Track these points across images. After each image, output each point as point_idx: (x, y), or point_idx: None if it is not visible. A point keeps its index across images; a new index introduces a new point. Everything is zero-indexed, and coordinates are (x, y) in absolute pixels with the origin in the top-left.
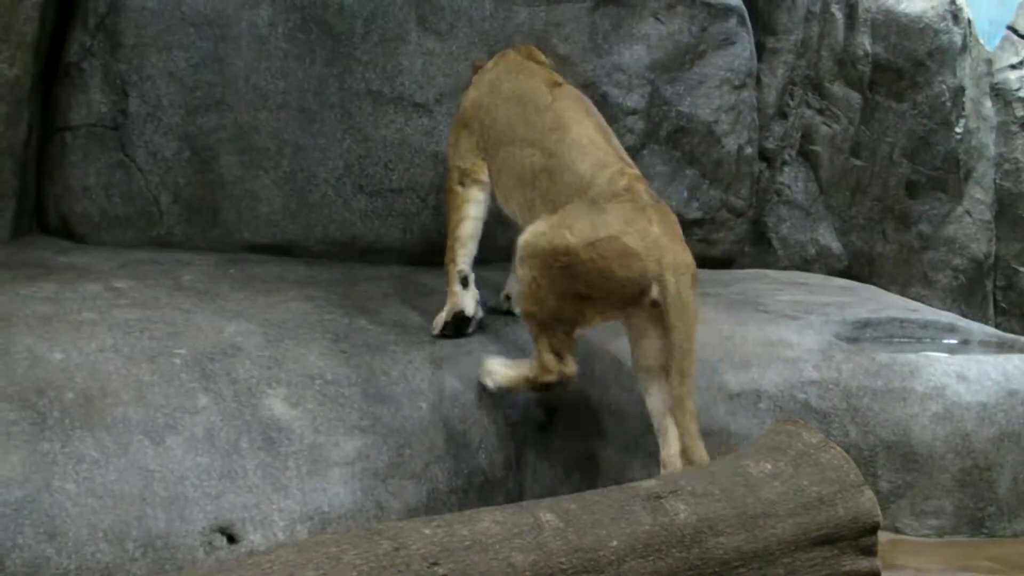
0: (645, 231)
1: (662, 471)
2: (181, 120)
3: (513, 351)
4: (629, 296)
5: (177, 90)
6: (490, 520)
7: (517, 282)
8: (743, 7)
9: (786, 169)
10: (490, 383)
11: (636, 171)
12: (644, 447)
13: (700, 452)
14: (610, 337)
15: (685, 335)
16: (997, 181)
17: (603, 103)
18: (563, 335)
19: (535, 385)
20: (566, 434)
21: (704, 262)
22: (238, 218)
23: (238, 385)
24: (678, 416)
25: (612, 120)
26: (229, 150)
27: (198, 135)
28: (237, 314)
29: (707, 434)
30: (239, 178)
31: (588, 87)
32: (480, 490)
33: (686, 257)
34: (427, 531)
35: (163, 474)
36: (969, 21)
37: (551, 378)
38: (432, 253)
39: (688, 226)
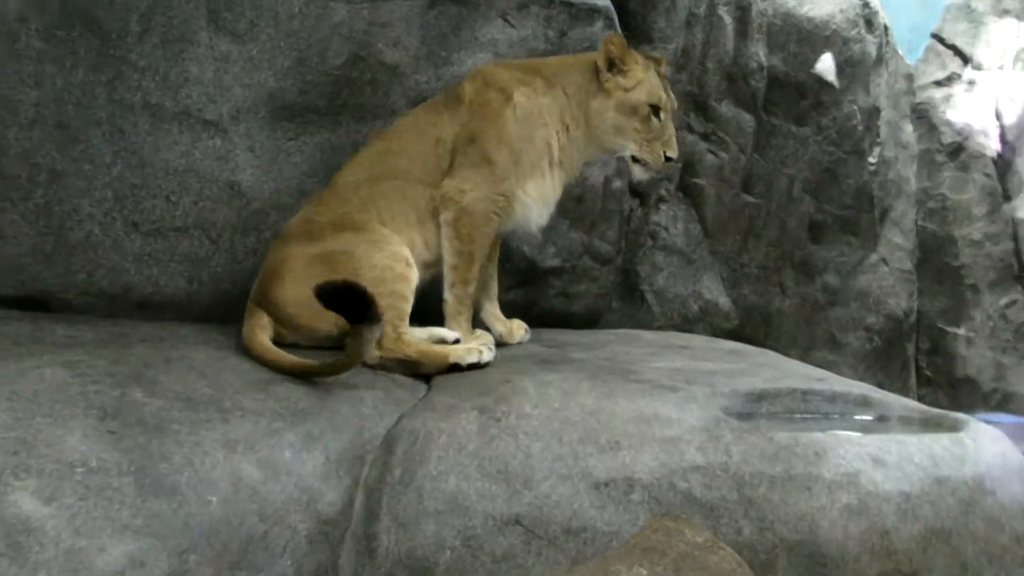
0: None
1: None
2: None
3: (322, 420)
4: None
5: None
6: None
7: None
8: (611, 8)
9: (663, 207)
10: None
11: None
12: (489, 550)
13: None
14: (439, 432)
15: None
16: (919, 222)
17: None
18: None
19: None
20: (394, 536)
21: (563, 319)
22: None
23: None
24: None
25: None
26: None
27: None
28: None
29: (568, 532)
30: None
31: (420, 103)
32: None
33: None
34: None
35: None
36: (886, 28)
37: None
38: (225, 306)
39: (543, 276)
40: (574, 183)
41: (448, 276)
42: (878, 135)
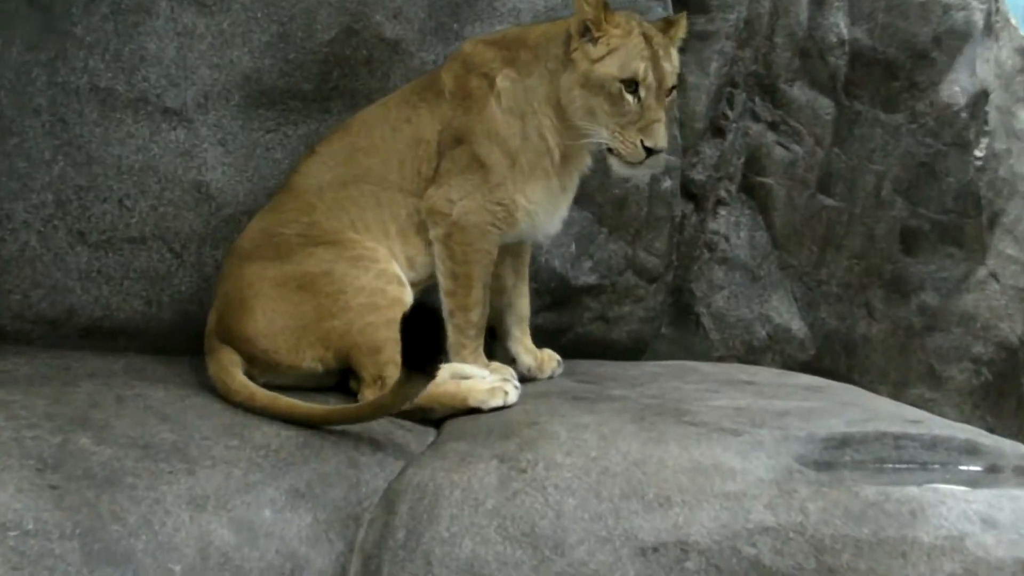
0: None
1: None
2: None
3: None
4: None
5: None
6: None
7: None
8: None
9: (722, 212)
10: None
11: None
12: None
13: None
14: (451, 486)
15: None
16: None
17: None
18: None
19: None
20: None
21: (601, 348)
22: None
23: None
24: None
25: None
26: None
27: None
28: None
29: None
30: None
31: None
32: None
33: None
34: None
35: None
36: None
37: None
38: (190, 333)
39: (577, 295)
40: (588, 173)
41: (445, 304)
42: (986, 123)
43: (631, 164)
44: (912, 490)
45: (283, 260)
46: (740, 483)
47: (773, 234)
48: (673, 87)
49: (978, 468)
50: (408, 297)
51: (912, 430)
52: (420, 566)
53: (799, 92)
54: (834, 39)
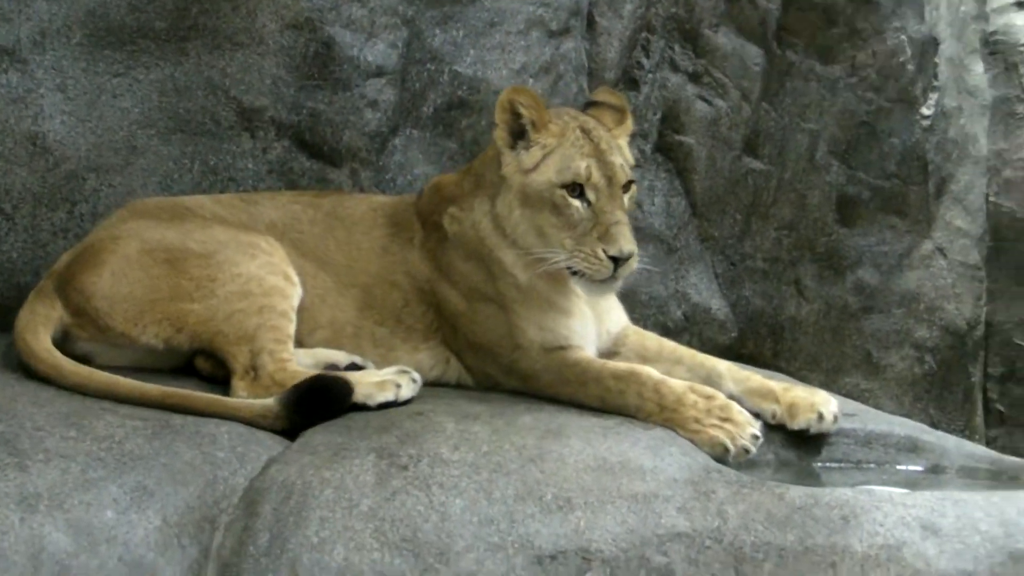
0: None
1: None
2: None
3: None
4: None
5: None
6: None
7: None
8: None
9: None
10: None
11: None
12: None
13: None
14: (322, 484)
15: None
16: (991, 198)
17: (327, 56)
18: None
19: None
20: None
21: None
22: None
23: None
24: None
25: (344, 86)
26: None
27: None
28: None
29: None
30: None
31: (302, 28)
32: None
33: None
34: None
35: None
36: None
37: None
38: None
39: None
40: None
41: None
42: (935, 77)
43: (601, 282)
44: (844, 492)
45: (171, 225)
46: (650, 483)
47: (692, 201)
48: (629, 183)
49: (919, 468)
50: (295, 293)
51: (845, 424)
52: None
53: (724, 39)
54: None
